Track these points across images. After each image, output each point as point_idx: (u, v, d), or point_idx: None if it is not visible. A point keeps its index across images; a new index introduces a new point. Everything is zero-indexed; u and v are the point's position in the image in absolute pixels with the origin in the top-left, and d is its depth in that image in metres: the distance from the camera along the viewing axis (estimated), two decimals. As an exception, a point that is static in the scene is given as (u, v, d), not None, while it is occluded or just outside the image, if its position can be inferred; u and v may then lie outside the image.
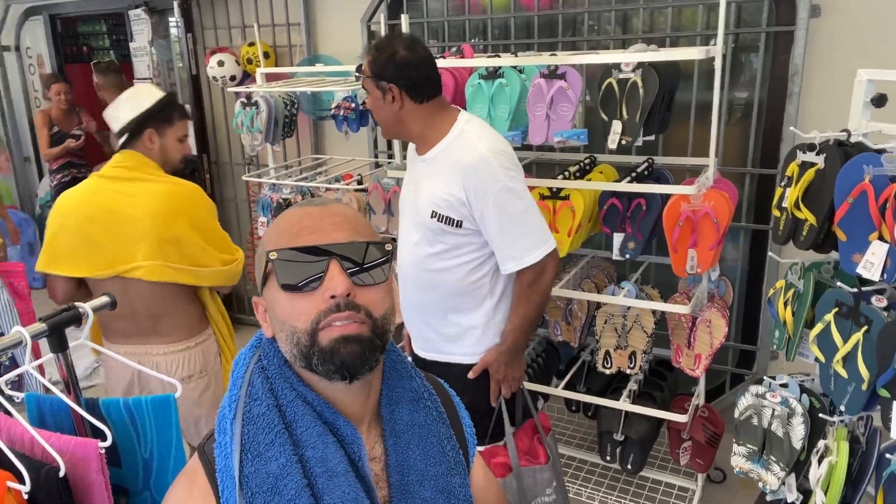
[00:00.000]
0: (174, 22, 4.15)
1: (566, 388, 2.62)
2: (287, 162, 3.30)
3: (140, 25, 4.44)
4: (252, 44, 3.90)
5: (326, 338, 0.78)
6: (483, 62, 2.41)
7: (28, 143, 5.53)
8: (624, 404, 2.46)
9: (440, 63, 2.47)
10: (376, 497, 0.83)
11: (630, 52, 2.21)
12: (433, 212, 1.82)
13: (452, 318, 1.93)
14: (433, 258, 1.87)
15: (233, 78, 3.93)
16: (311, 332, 0.78)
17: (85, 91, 5.36)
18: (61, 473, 1.18)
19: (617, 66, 2.21)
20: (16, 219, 5.28)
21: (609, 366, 2.52)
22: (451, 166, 1.79)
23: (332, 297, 0.78)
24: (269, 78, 3.46)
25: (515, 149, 1.97)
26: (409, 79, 1.78)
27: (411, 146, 1.96)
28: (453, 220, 1.81)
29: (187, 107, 4.26)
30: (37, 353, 2.14)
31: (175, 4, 4.01)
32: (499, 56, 2.44)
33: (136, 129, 1.97)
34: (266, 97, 3.03)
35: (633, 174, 2.40)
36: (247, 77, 4.00)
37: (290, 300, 0.80)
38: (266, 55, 3.91)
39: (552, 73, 2.29)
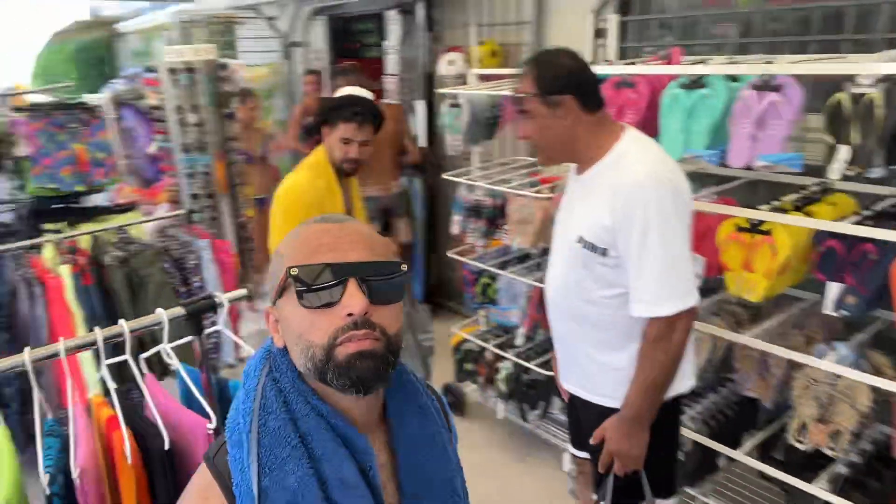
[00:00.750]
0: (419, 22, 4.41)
1: (753, 453, 2.23)
2: (485, 163, 3.31)
3: (394, 25, 4.81)
4: (482, 43, 3.97)
5: (343, 353, 0.81)
6: (686, 69, 2.12)
7: (305, 127, 6.40)
8: (821, 491, 2.01)
9: (637, 69, 2.25)
10: (382, 498, 0.86)
11: (874, 61, 1.75)
12: (580, 237, 1.67)
13: (595, 355, 1.76)
14: (578, 287, 1.72)
15: (460, 77, 4.05)
16: (328, 347, 0.81)
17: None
18: (165, 446, 1.34)
19: (852, 78, 1.77)
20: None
21: (804, 440, 2.08)
22: (606, 188, 1.62)
23: (349, 314, 0.80)
24: (486, 78, 3.49)
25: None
26: (581, 86, 1.64)
27: (572, 166, 1.81)
28: (598, 247, 1.64)
29: (420, 105, 4.54)
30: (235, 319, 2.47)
31: (419, 5, 4.25)
32: (703, 63, 2.12)
33: (316, 126, 2.16)
34: (470, 99, 3.06)
35: (867, 212, 1.92)
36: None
37: (308, 316, 0.82)
38: (494, 54, 3.95)
39: (765, 85, 1.92)
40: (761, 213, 2.00)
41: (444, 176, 3.23)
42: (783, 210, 2.02)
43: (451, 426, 1.03)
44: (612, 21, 2.70)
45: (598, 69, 2.29)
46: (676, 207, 1.57)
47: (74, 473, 1.25)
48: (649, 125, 2.15)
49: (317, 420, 0.83)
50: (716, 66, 2.07)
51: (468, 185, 3.08)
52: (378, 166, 3.97)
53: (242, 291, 1.58)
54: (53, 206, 3.20)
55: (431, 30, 4.30)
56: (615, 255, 1.62)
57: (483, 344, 3.16)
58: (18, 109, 3.08)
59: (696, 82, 2.08)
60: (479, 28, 4.18)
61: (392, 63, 4.86)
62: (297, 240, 0.87)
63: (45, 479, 1.25)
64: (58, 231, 2.88)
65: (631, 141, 1.67)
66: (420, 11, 4.29)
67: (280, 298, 0.86)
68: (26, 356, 1.32)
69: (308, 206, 2.17)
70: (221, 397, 1.54)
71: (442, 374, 3.80)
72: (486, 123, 3.11)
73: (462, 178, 3.10)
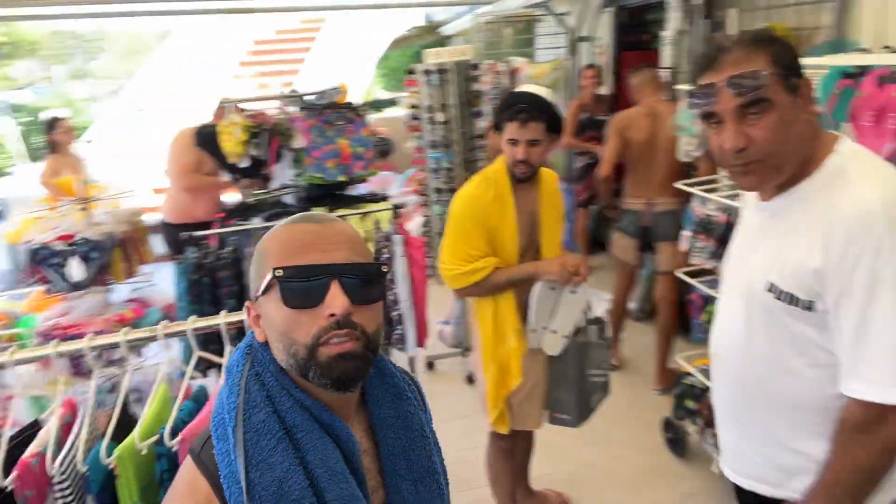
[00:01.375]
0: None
1: None
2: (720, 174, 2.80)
3: (674, 12, 4.37)
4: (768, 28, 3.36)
5: (325, 354, 0.83)
6: None
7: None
8: None
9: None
10: (367, 488, 0.89)
11: None
12: (771, 284, 1.25)
13: (791, 442, 1.31)
14: (766, 352, 1.29)
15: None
16: (311, 346, 0.84)
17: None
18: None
19: None
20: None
21: None
22: (815, 218, 1.19)
23: (332, 315, 0.83)
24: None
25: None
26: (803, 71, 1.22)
27: (752, 192, 1.40)
28: (799, 298, 1.21)
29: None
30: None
31: (697, -10, 3.79)
32: None
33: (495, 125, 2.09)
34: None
35: None
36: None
37: (292, 314, 0.84)
38: (779, 40, 3.31)
39: None
40: None
41: (677, 185, 2.84)
42: None
43: (426, 408, 1.06)
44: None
45: (853, 58, 1.75)
46: None
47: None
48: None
49: (301, 412, 0.86)
50: None
51: (701, 198, 2.65)
52: (644, 175, 3.48)
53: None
54: (320, 194, 3.68)
55: (710, 17, 3.79)
56: (823, 309, 1.19)
57: (707, 381, 2.71)
58: (302, 108, 3.60)
59: None
60: (767, 11, 3.55)
61: (667, 55, 4.43)
62: (282, 238, 0.88)
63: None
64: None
65: (851, 155, 1.21)
66: (699, -4, 3.82)
67: (262, 295, 0.87)
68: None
69: (473, 219, 2.11)
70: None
71: (656, 405, 3.39)
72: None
73: (695, 189, 2.69)
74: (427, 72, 3.66)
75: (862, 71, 1.85)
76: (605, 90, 5.68)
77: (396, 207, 2.48)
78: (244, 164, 3.46)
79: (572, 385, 2.25)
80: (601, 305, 4.26)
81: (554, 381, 2.32)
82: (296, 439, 0.84)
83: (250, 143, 3.35)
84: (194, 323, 1.58)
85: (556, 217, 2.31)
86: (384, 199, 3.89)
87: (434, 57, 3.60)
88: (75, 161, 5.15)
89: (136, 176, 6.54)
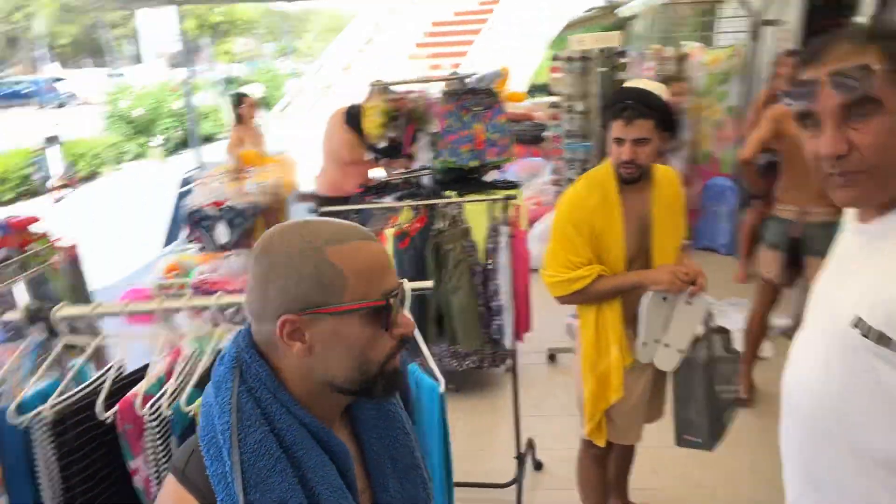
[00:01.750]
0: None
1: None
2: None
3: (869, -5, 3.82)
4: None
5: (391, 368, 0.90)
6: None
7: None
8: None
9: None
10: (358, 495, 0.92)
11: None
12: (858, 319, 1.06)
13: None
14: (852, 401, 1.10)
15: None
16: (383, 363, 0.89)
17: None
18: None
19: None
20: (720, 186, 5.68)
21: None
22: None
23: (402, 334, 0.90)
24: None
25: None
26: None
27: (852, 211, 1.21)
28: (892, 340, 1.02)
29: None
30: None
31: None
32: None
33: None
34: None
35: None
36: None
37: (374, 333, 0.87)
38: None
39: None
40: None
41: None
42: None
43: (400, 404, 1.07)
44: None
45: None
46: None
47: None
48: None
49: (299, 429, 0.86)
50: None
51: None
52: (796, 181, 3.07)
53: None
54: (453, 177, 3.77)
55: (886, 3, 3.27)
56: None
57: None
58: (446, 93, 3.69)
59: None
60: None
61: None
62: (363, 258, 0.86)
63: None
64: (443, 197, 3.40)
65: None
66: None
67: (333, 315, 0.84)
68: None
69: (576, 223, 2.02)
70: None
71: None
72: None
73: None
74: (569, 59, 3.55)
75: None
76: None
77: (508, 199, 2.46)
78: (382, 144, 3.63)
79: (702, 404, 2.10)
80: (734, 318, 3.91)
81: (681, 401, 2.17)
82: (295, 457, 0.84)
83: (389, 126, 3.50)
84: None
85: (672, 221, 2.14)
86: (515, 186, 3.88)
87: (577, 44, 3.49)
88: (256, 134, 5.75)
89: (311, 150, 7.15)
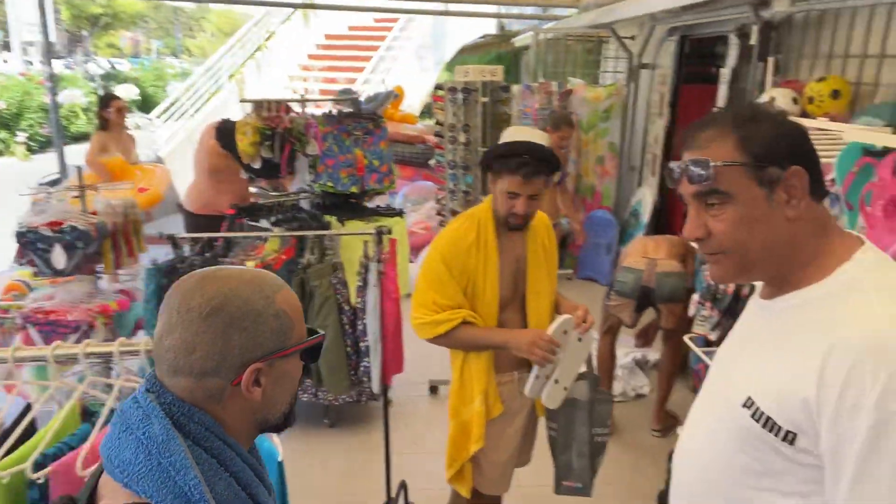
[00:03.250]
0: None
1: None
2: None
3: (732, 50, 4.09)
4: (823, 79, 3.07)
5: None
6: None
7: (637, 154, 5.98)
8: None
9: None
10: None
11: None
12: (749, 399, 1.03)
13: None
14: (735, 478, 1.07)
15: (780, 118, 3.21)
16: (295, 393, 1.00)
17: (697, 113, 5.35)
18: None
19: None
20: (601, 219, 5.89)
21: None
22: (813, 335, 0.97)
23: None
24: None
25: None
26: (809, 155, 1.02)
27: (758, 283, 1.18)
28: (779, 426, 0.99)
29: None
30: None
31: (754, 28, 3.51)
32: None
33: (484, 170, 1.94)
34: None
35: None
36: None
37: (301, 367, 0.99)
38: (836, 94, 3.02)
39: None
40: None
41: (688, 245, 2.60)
42: None
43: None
44: None
45: (875, 134, 1.51)
46: None
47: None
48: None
49: (247, 470, 0.91)
50: None
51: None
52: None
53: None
54: (335, 202, 3.62)
55: (764, 59, 3.51)
56: (808, 448, 0.96)
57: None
58: (326, 115, 3.54)
59: None
60: (828, 60, 3.24)
61: (722, 94, 4.15)
62: (294, 302, 0.95)
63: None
64: (323, 225, 3.24)
65: (871, 265, 0.99)
66: (755, 36, 3.54)
67: (284, 358, 0.92)
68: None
69: (449, 263, 1.96)
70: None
71: (654, 476, 3.14)
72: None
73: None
74: (452, 89, 3.52)
75: (886, 150, 1.60)
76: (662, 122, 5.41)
77: (380, 233, 2.34)
78: (256, 164, 3.42)
79: (584, 447, 2.05)
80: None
81: (561, 444, 2.11)
82: (252, 495, 0.90)
83: (263, 145, 3.30)
84: (147, 345, 1.52)
85: (546, 265, 2.12)
86: (399, 213, 3.79)
87: (462, 75, 3.46)
88: (126, 139, 5.26)
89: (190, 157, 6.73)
